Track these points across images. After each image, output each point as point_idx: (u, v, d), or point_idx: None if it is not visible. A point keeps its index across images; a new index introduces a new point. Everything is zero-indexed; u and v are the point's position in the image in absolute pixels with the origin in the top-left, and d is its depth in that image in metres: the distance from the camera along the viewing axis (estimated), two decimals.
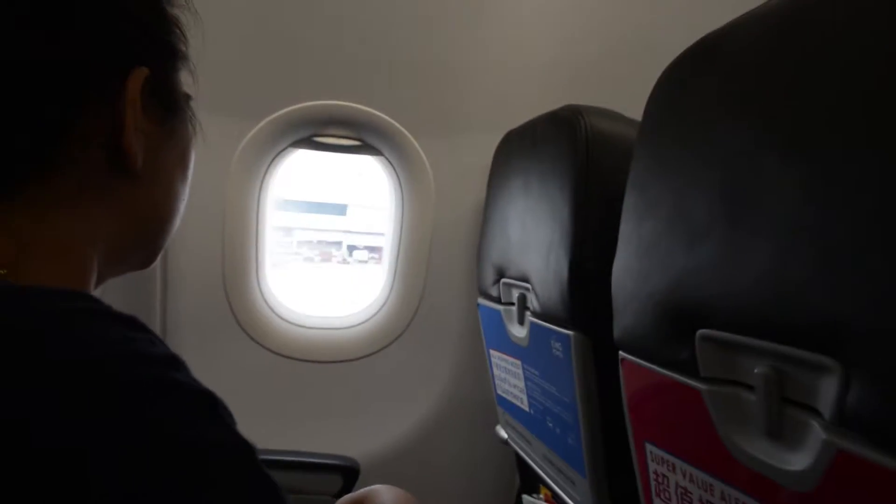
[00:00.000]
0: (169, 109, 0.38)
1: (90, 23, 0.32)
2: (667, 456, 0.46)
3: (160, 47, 0.36)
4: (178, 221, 0.40)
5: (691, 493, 0.44)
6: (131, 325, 0.26)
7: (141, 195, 0.36)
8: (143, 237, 0.38)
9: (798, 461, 0.34)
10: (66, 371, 0.22)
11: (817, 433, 0.32)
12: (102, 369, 0.23)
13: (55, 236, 0.31)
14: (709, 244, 0.39)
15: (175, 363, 0.26)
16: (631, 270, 0.49)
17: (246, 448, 0.25)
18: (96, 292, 0.36)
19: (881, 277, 0.27)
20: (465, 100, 1.08)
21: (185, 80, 0.40)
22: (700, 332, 0.40)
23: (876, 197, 0.28)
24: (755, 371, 0.36)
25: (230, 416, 0.26)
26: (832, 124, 0.30)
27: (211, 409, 0.25)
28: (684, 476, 0.44)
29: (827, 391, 0.31)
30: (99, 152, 0.33)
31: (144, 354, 0.25)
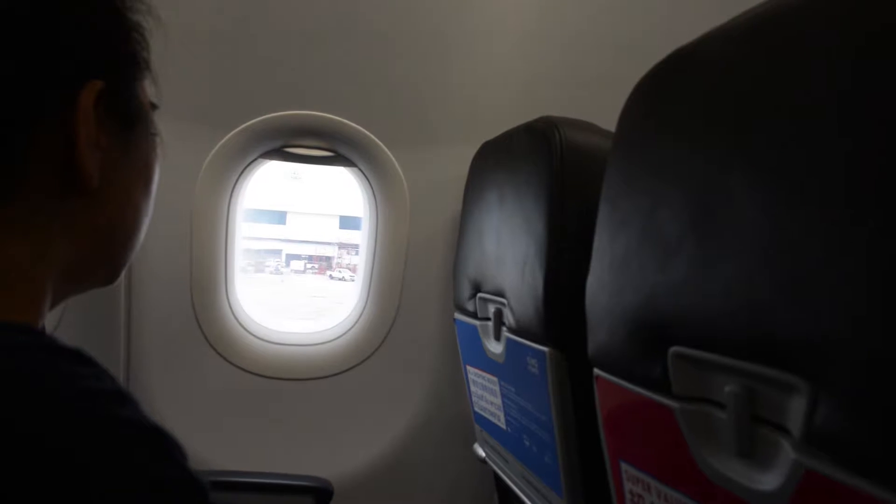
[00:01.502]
0: (128, 122, 0.36)
1: (37, 35, 0.30)
2: (641, 475, 0.46)
3: (117, 57, 0.35)
4: (141, 237, 0.38)
5: None
6: (76, 359, 0.25)
7: (99, 213, 0.34)
8: (103, 256, 0.36)
9: (768, 481, 0.33)
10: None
11: (787, 452, 0.32)
12: (46, 408, 0.22)
13: (2, 263, 0.29)
14: (679, 261, 0.39)
15: (123, 399, 0.25)
16: (604, 286, 0.48)
17: (197, 486, 0.25)
18: (57, 310, 0.34)
19: (846, 297, 0.27)
20: (441, 110, 1.08)
21: (149, 89, 0.38)
22: (672, 349, 0.40)
23: (842, 215, 0.28)
24: (726, 389, 0.36)
25: (181, 452, 0.26)
26: (798, 141, 0.31)
27: (161, 447, 0.25)
28: (659, 496, 0.44)
29: (796, 410, 0.31)
30: (51, 172, 0.31)
31: (91, 391, 0.24)
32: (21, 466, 0.20)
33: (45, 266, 0.31)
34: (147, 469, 0.23)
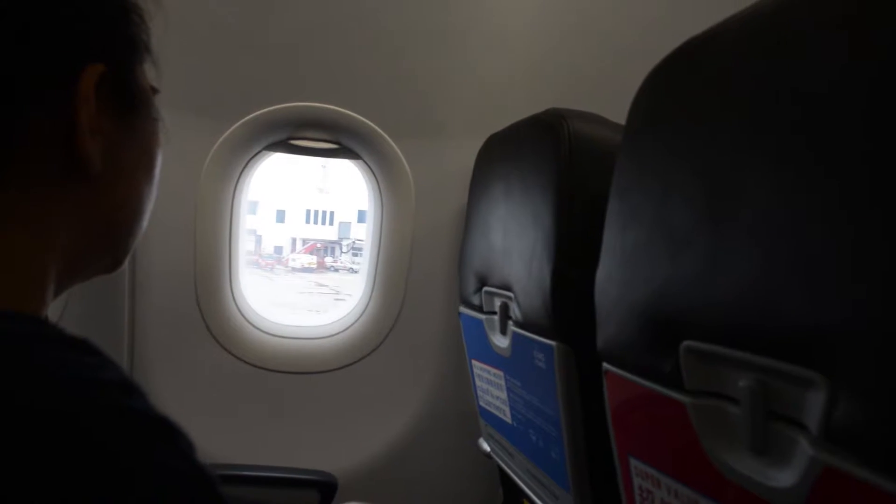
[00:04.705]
0: (129, 106, 0.35)
1: (35, 17, 0.29)
2: (651, 470, 0.45)
3: (117, 40, 0.34)
4: (144, 223, 0.38)
5: None
6: (82, 348, 0.25)
7: (101, 198, 0.33)
8: (106, 242, 0.35)
9: (785, 477, 0.32)
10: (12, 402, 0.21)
11: (804, 449, 0.31)
12: (52, 398, 0.22)
13: (3, 248, 0.29)
14: (691, 253, 0.38)
15: (129, 389, 0.25)
16: (614, 279, 0.48)
17: (204, 477, 0.24)
18: (61, 299, 0.34)
19: (865, 289, 0.27)
20: (447, 102, 1.07)
21: (151, 73, 0.37)
22: (684, 343, 0.39)
23: (858, 205, 0.27)
24: (740, 384, 0.35)
25: (188, 443, 0.25)
26: (813, 131, 0.30)
27: (167, 437, 0.24)
28: (669, 492, 0.43)
29: (813, 406, 0.30)
30: (52, 156, 0.30)
31: (97, 381, 0.24)
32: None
33: (47, 253, 0.31)
34: (156, 460, 0.23)
